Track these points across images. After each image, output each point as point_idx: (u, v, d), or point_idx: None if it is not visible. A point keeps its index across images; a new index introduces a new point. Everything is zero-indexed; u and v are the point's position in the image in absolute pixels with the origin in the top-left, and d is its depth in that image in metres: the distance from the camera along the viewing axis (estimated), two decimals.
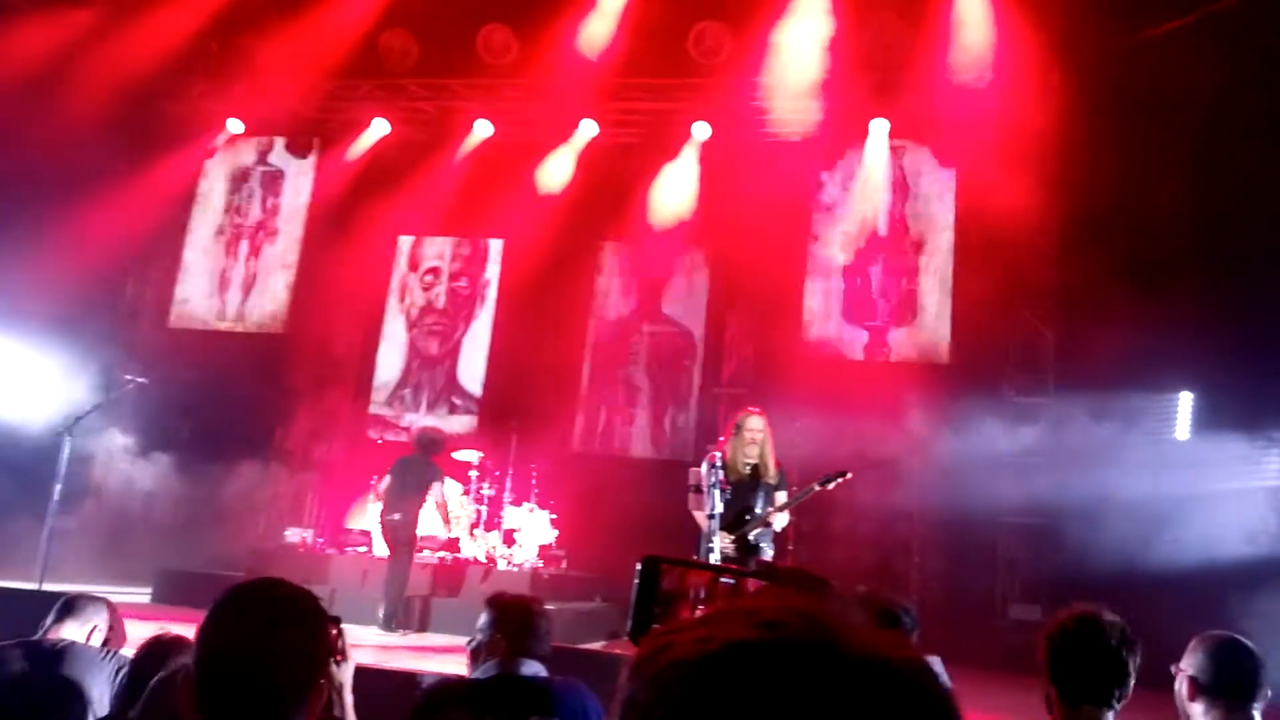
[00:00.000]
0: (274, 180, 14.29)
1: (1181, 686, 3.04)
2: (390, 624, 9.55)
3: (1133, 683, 2.69)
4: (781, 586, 1.07)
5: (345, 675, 2.47)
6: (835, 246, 12.55)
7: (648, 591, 1.07)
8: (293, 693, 1.82)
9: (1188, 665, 3.03)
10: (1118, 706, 2.68)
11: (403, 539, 9.92)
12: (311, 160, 14.14)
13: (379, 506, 10.32)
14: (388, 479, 10.10)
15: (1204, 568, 9.32)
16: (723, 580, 1.09)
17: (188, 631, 2.35)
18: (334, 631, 2.29)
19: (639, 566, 1.11)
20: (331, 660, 2.27)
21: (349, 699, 2.49)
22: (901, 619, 3.06)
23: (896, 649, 0.65)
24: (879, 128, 12.35)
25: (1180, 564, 9.34)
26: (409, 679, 6.03)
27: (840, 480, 6.59)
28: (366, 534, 11.56)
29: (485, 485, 11.52)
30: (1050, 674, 2.72)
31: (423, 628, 9.92)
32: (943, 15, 11.37)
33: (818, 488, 6.63)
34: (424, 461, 10.18)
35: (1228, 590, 9.08)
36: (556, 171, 13.13)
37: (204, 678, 1.79)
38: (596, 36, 11.89)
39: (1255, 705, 2.94)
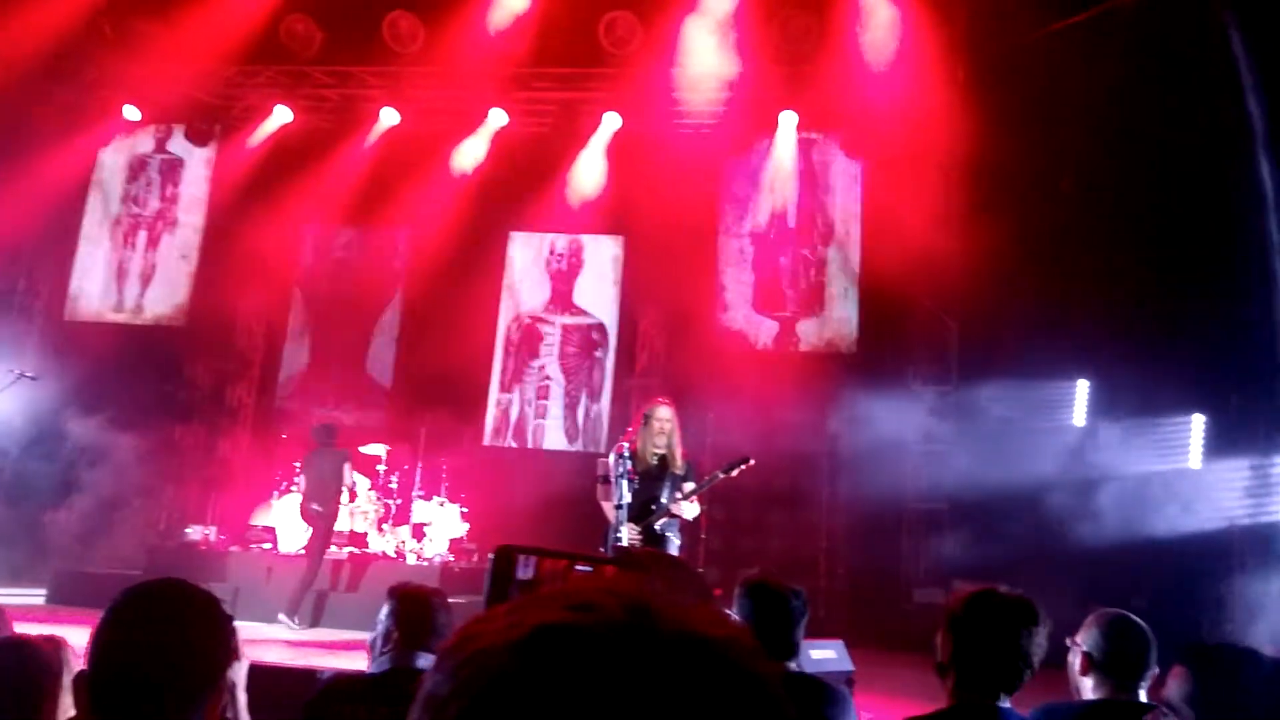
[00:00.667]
0: (173, 169, 13.89)
1: (1075, 660, 3.12)
2: (291, 616, 9.52)
3: (1035, 664, 2.68)
4: (635, 570, 1.06)
5: (239, 675, 2.40)
6: (745, 238, 12.64)
7: (501, 582, 1.04)
8: (190, 696, 1.78)
9: (1083, 641, 3.11)
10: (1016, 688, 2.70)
11: (321, 530, 10.00)
12: (212, 148, 13.75)
13: (297, 498, 10.40)
14: (304, 475, 10.18)
15: (1100, 550, 9.61)
16: (579, 568, 1.07)
17: (78, 635, 2.28)
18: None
19: (491, 556, 1.09)
20: None
21: (242, 698, 2.43)
22: (790, 602, 3.08)
23: (714, 626, 0.63)
24: (788, 120, 12.46)
25: (1077, 546, 9.62)
26: (310, 676, 5.92)
27: (743, 466, 6.64)
28: (271, 530, 11.35)
29: (394, 479, 11.38)
30: (951, 658, 2.72)
31: (320, 623, 9.81)
32: (850, 10, 11.50)
33: (721, 475, 6.69)
34: (330, 449, 10.21)
35: (1123, 571, 9.39)
36: (466, 161, 12.97)
37: (98, 681, 1.74)
38: (505, 24, 11.77)
39: (1142, 683, 3.03)
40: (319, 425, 10.76)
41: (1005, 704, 2.66)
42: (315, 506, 9.97)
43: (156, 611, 1.82)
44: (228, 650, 1.92)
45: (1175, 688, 2.02)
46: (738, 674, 0.61)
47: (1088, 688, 3.09)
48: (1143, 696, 3.03)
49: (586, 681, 0.58)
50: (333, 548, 10.61)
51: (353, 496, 10.72)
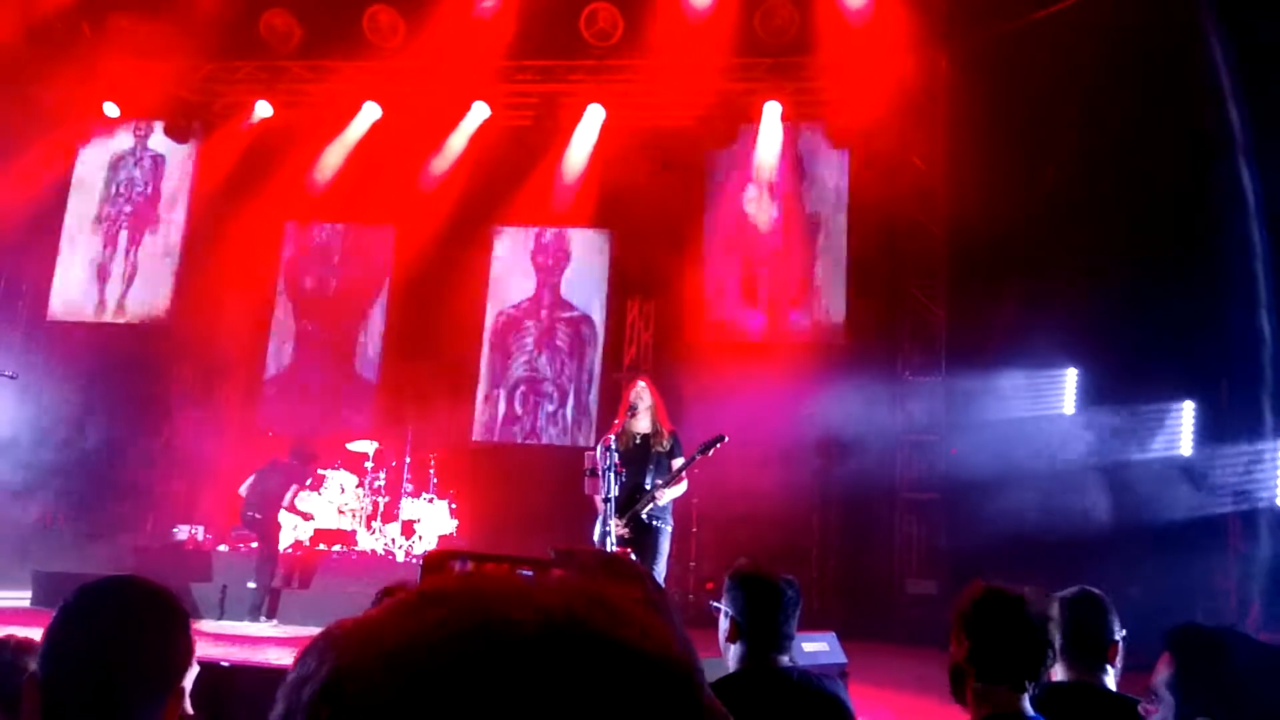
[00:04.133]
0: (154, 166, 13.74)
1: None
2: (255, 614, 9.59)
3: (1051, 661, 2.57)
4: (582, 573, 0.99)
5: (186, 681, 2.32)
6: (732, 228, 12.57)
7: None
8: (145, 697, 1.71)
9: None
10: (1032, 688, 2.55)
11: (262, 535, 9.97)
12: (193, 145, 13.62)
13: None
14: (251, 478, 10.08)
15: (1093, 538, 9.60)
16: (520, 573, 0.99)
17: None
18: None
19: (421, 563, 1.02)
20: None
21: (187, 704, 2.33)
22: (784, 591, 3.00)
23: (647, 640, 0.57)
24: (772, 110, 12.38)
25: (1069, 534, 9.60)
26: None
27: (718, 445, 6.63)
28: None
29: (382, 476, 11.30)
30: (969, 655, 2.55)
31: (310, 623, 9.73)
32: (831, 0, 11.44)
33: (698, 456, 6.69)
34: (290, 465, 10.13)
35: (1117, 559, 9.37)
36: (449, 154, 12.88)
37: (50, 682, 1.69)
38: (486, 17, 11.68)
39: (1109, 664, 2.96)
40: (298, 443, 10.63)
41: (1030, 710, 2.50)
42: (254, 515, 9.91)
43: (110, 611, 1.76)
44: (187, 649, 1.85)
45: (1162, 673, 1.97)
46: (673, 695, 0.56)
47: (1057, 673, 3.04)
48: (1110, 682, 2.97)
49: (500, 691, 0.52)
50: (321, 545, 10.56)
51: (300, 515, 10.70)
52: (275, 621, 9.60)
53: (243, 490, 10.05)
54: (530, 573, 1.00)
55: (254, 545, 11.10)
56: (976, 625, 2.53)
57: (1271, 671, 1.94)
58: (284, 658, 7.47)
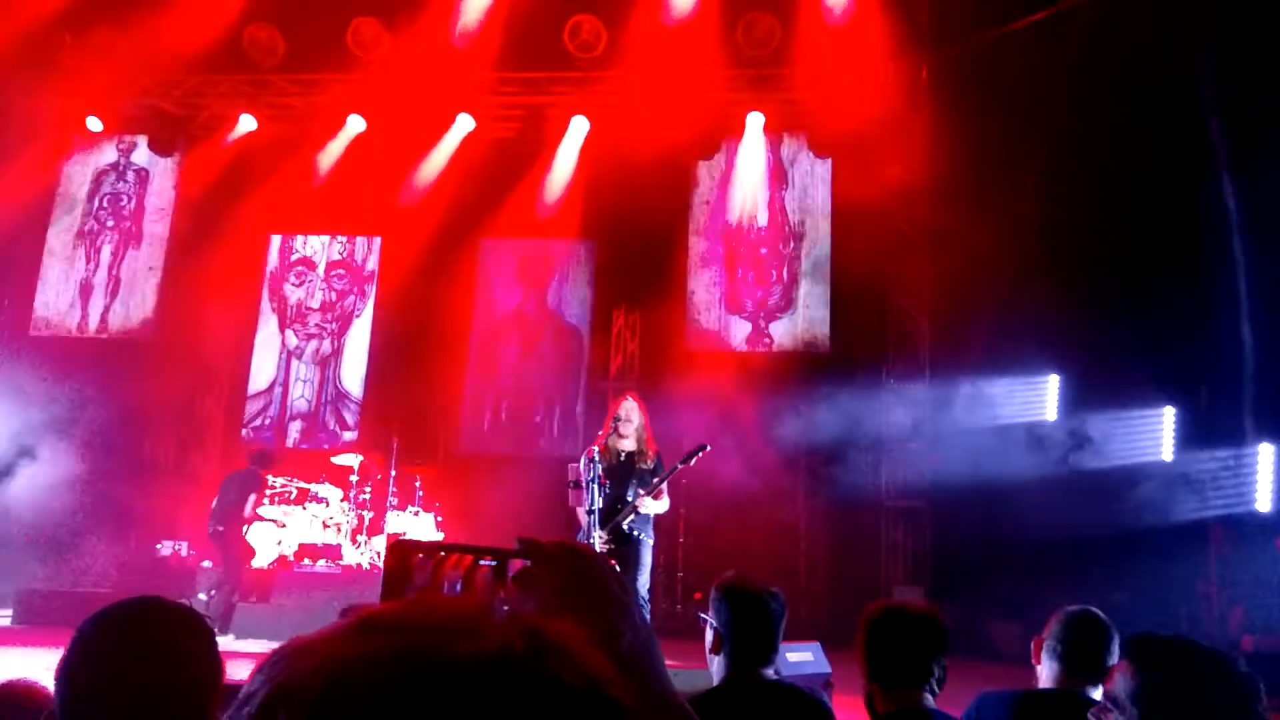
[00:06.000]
0: (138, 180, 13.69)
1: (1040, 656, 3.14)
2: (223, 634, 9.45)
3: (939, 671, 2.73)
4: (545, 565, 1.00)
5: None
6: (716, 239, 12.62)
7: (397, 583, 0.98)
8: None
9: (1048, 635, 3.12)
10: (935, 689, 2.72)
11: (223, 551, 9.93)
12: (176, 159, 13.59)
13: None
14: (217, 495, 10.03)
15: (1075, 543, 9.63)
16: (484, 563, 1.01)
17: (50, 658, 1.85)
18: None
19: (384, 553, 1.03)
20: None
21: None
22: (769, 604, 3.04)
23: (470, 639, 0.58)
24: (755, 120, 12.45)
25: (1054, 541, 9.64)
26: None
27: (700, 454, 6.66)
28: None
29: (367, 490, 11.25)
30: (868, 674, 2.77)
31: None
32: (813, 11, 11.51)
33: (680, 465, 6.70)
34: (248, 473, 10.06)
35: (1102, 565, 9.42)
36: (434, 167, 12.89)
37: None
38: (470, 30, 11.71)
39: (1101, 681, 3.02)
40: (253, 447, 10.56)
41: (930, 703, 2.67)
42: (217, 528, 9.86)
43: (133, 638, 1.58)
44: (218, 670, 1.67)
45: (1120, 682, 1.99)
46: (489, 691, 0.57)
47: (1045, 677, 3.10)
48: (1097, 694, 3.01)
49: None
50: (305, 561, 10.50)
51: (249, 520, 10.49)
52: (232, 635, 9.50)
53: (214, 504, 10.04)
54: (494, 562, 1.01)
55: (207, 565, 11.04)
56: (870, 640, 2.78)
57: (1228, 682, 1.98)
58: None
